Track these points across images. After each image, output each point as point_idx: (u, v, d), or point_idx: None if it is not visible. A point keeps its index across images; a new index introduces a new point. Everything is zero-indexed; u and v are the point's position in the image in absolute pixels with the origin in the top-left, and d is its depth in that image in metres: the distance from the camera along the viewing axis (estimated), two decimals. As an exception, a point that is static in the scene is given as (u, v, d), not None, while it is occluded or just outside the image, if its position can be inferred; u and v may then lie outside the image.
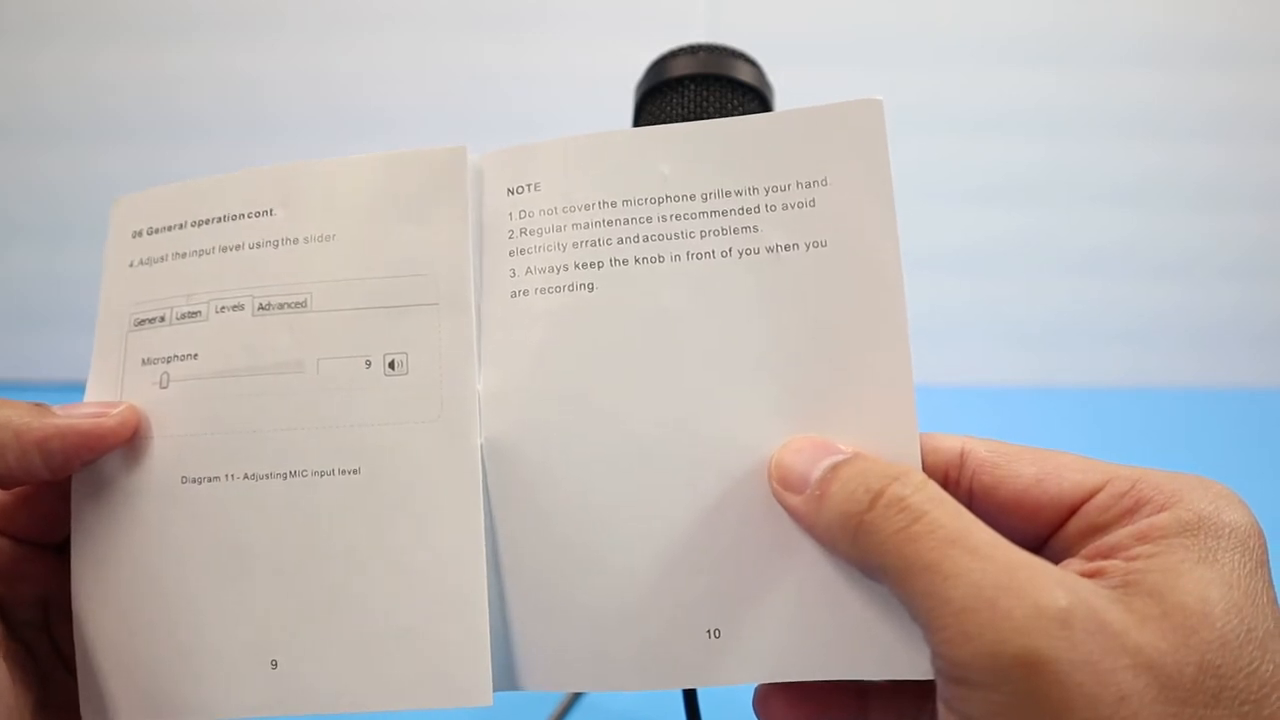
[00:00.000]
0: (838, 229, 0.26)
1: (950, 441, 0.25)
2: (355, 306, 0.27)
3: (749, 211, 0.26)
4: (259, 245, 0.27)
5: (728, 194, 0.26)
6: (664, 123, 0.33)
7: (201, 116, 0.72)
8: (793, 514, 0.25)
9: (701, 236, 0.26)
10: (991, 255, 0.74)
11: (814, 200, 0.26)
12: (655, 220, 0.27)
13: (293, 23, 0.72)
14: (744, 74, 0.33)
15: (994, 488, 0.24)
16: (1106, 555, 0.22)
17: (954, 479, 0.25)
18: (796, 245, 0.26)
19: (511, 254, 0.27)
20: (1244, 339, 0.74)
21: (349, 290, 0.27)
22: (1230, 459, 0.63)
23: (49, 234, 0.73)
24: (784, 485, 0.25)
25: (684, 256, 0.26)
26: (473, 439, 0.26)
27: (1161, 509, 0.22)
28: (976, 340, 0.74)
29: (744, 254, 0.26)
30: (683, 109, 0.33)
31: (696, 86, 0.33)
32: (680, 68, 0.33)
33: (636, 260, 0.26)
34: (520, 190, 0.28)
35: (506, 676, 0.26)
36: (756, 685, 0.27)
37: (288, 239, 0.27)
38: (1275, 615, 0.20)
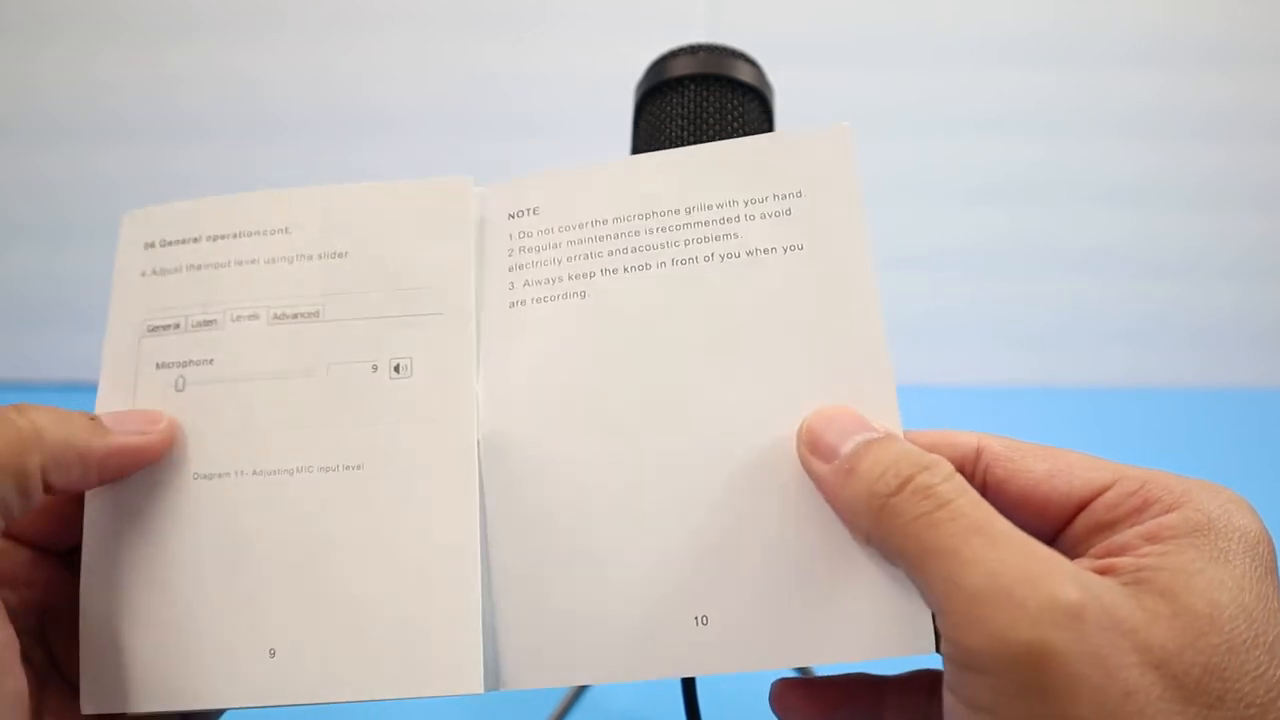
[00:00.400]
0: (813, 233, 0.28)
1: (966, 438, 0.26)
2: (365, 316, 0.29)
3: (729, 221, 0.28)
4: (274, 260, 0.29)
5: (709, 207, 0.28)
6: (664, 122, 0.33)
7: (201, 116, 0.72)
8: (817, 481, 0.25)
9: (685, 245, 0.28)
10: (991, 255, 0.74)
11: (790, 210, 0.28)
12: (643, 233, 0.28)
13: (293, 23, 0.72)
14: (744, 74, 0.33)
15: (1005, 481, 0.25)
16: (1116, 554, 0.22)
17: (969, 473, 0.25)
18: (774, 249, 0.28)
19: (511, 269, 0.29)
20: (1244, 339, 0.74)
21: (360, 302, 0.29)
22: (1230, 459, 0.63)
23: (49, 234, 0.73)
24: (813, 451, 0.25)
25: (669, 263, 0.28)
26: (470, 437, 0.27)
27: (1170, 509, 0.22)
28: (976, 340, 0.74)
29: (725, 258, 0.28)
30: (683, 109, 0.33)
31: (696, 86, 0.33)
32: (680, 68, 0.33)
33: (625, 269, 0.28)
34: (520, 214, 0.30)
35: (492, 676, 0.26)
36: (772, 681, 0.28)
37: (301, 255, 0.29)
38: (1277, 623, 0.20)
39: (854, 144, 0.28)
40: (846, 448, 0.24)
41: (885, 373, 0.26)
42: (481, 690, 0.26)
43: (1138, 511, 0.23)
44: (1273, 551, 0.21)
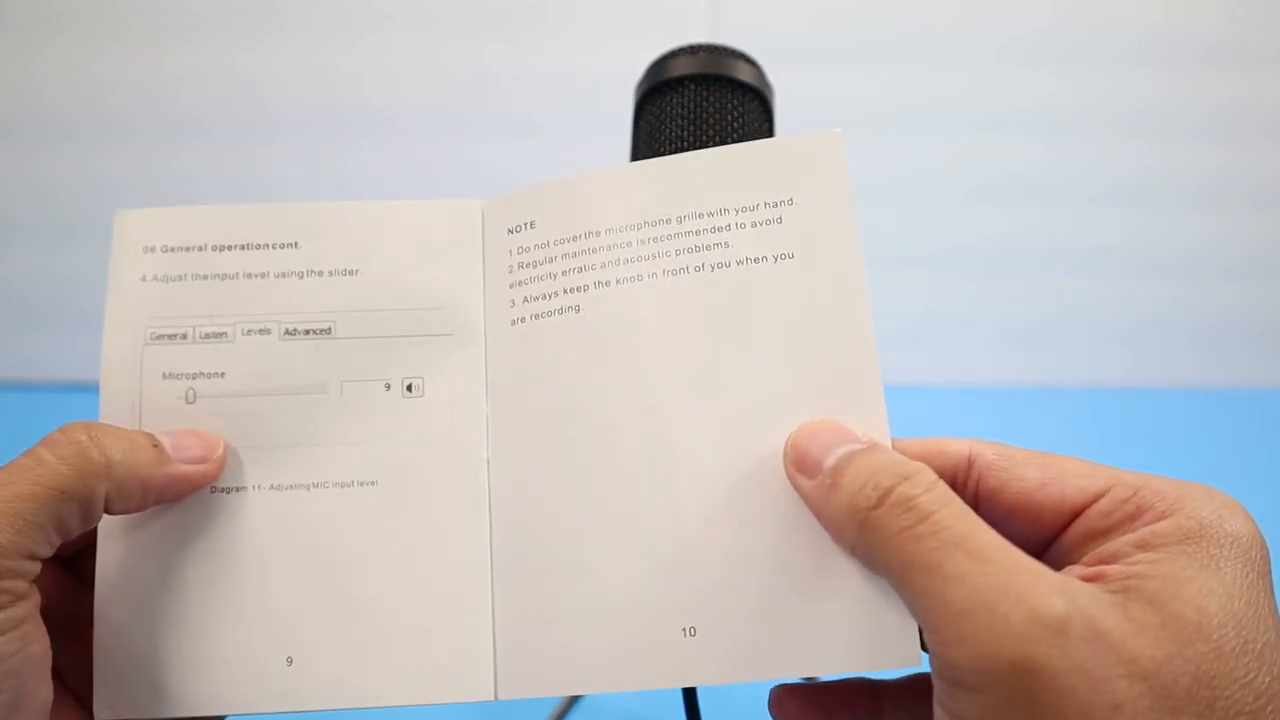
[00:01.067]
0: (804, 242, 0.28)
1: (958, 445, 0.25)
2: (377, 335, 0.29)
3: (721, 230, 0.28)
4: (284, 275, 0.29)
5: (700, 215, 0.28)
6: (664, 122, 0.33)
7: (201, 116, 0.72)
8: (803, 496, 0.25)
9: (677, 254, 0.28)
10: (991, 255, 0.74)
11: (781, 218, 0.28)
12: (635, 244, 0.28)
13: (293, 23, 0.72)
14: (744, 74, 0.33)
15: (999, 491, 0.25)
16: (1107, 562, 0.22)
17: (961, 482, 0.25)
18: (765, 258, 0.28)
19: (511, 286, 0.29)
20: (1244, 339, 0.74)
21: (371, 320, 0.29)
22: (1230, 459, 0.63)
23: (49, 234, 0.73)
24: (798, 468, 0.25)
25: (660, 274, 0.28)
26: (480, 455, 0.28)
27: (1162, 516, 0.22)
28: (976, 340, 0.74)
29: (716, 268, 0.28)
30: (682, 109, 0.33)
31: (696, 86, 0.33)
32: (680, 68, 0.33)
33: (618, 281, 0.28)
34: (518, 229, 0.30)
35: (498, 684, 0.27)
36: (771, 687, 0.28)
37: (312, 271, 0.30)
38: (1275, 627, 0.20)
39: (845, 150, 0.28)
40: (829, 461, 0.24)
41: (874, 382, 0.26)
42: (492, 697, 0.26)
43: (1130, 519, 0.23)
44: (1266, 556, 0.21)
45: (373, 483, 0.28)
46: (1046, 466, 0.24)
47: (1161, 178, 0.73)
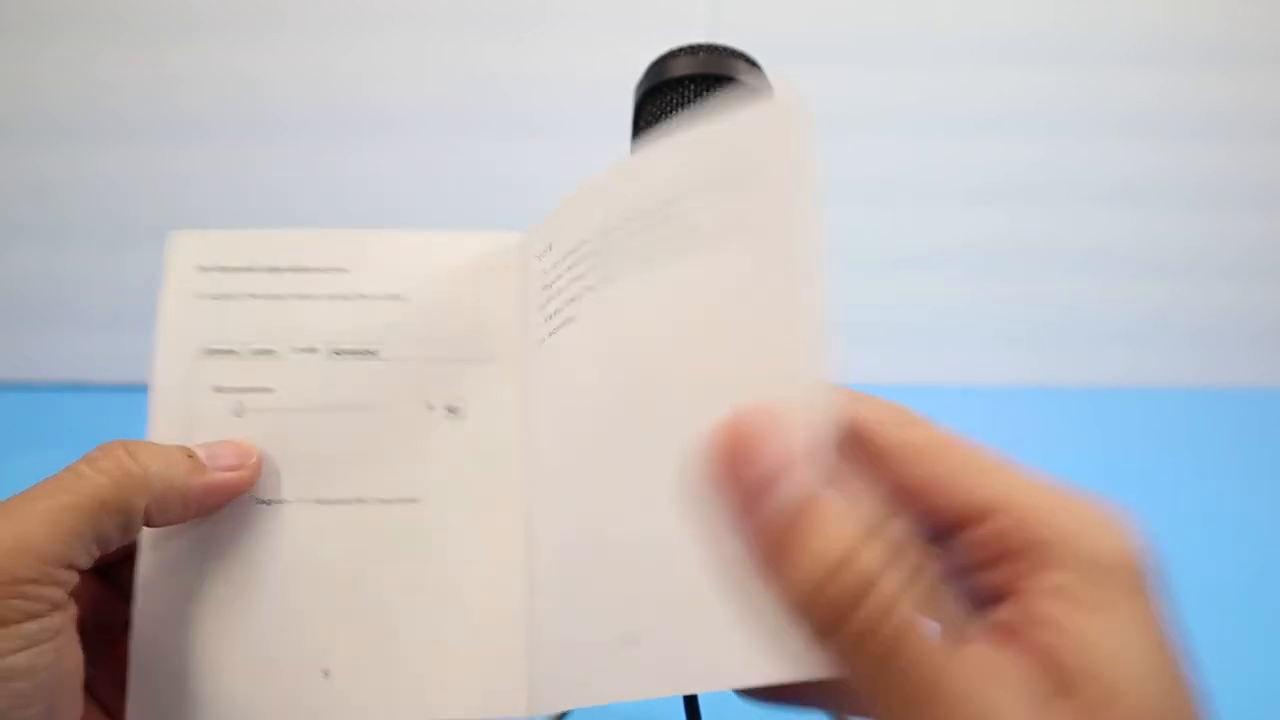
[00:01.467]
0: (764, 218, 0.25)
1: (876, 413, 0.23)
2: (421, 358, 0.30)
3: (683, 216, 0.26)
4: (333, 298, 0.31)
5: (666, 201, 0.26)
6: (664, 122, 0.33)
7: (201, 116, 0.72)
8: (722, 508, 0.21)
9: (642, 246, 0.27)
10: (991, 255, 0.74)
11: (739, 192, 0.25)
12: (612, 244, 0.28)
13: (293, 23, 0.72)
14: (744, 74, 0.33)
15: (893, 470, 0.22)
16: (1001, 597, 0.20)
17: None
18: (726, 235, 0.25)
19: (538, 308, 0.30)
20: (1244, 339, 0.74)
21: (416, 343, 0.30)
22: (1230, 459, 0.63)
23: (49, 234, 0.73)
24: (721, 475, 0.21)
25: (636, 268, 0.27)
26: (519, 476, 0.29)
27: (1049, 557, 0.20)
28: (976, 340, 0.74)
29: (679, 254, 0.26)
30: (683, 109, 0.33)
31: (696, 86, 0.33)
32: (680, 68, 0.33)
33: (600, 284, 0.28)
34: (542, 255, 0.30)
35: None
36: None
37: (360, 294, 0.31)
38: (1179, 665, 0.19)
39: (809, 118, 0.25)
40: (774, 504, 0.19)
41: (819, 362, 0.22)
42: (525, 714, 0.27)
43: (1017, 554, 0.20)
44: (1155, 576, 0.20)
45: (413, 500, 0.29)
46: (935, 463, 0.22)
47: (1161, 178, 0.73)
